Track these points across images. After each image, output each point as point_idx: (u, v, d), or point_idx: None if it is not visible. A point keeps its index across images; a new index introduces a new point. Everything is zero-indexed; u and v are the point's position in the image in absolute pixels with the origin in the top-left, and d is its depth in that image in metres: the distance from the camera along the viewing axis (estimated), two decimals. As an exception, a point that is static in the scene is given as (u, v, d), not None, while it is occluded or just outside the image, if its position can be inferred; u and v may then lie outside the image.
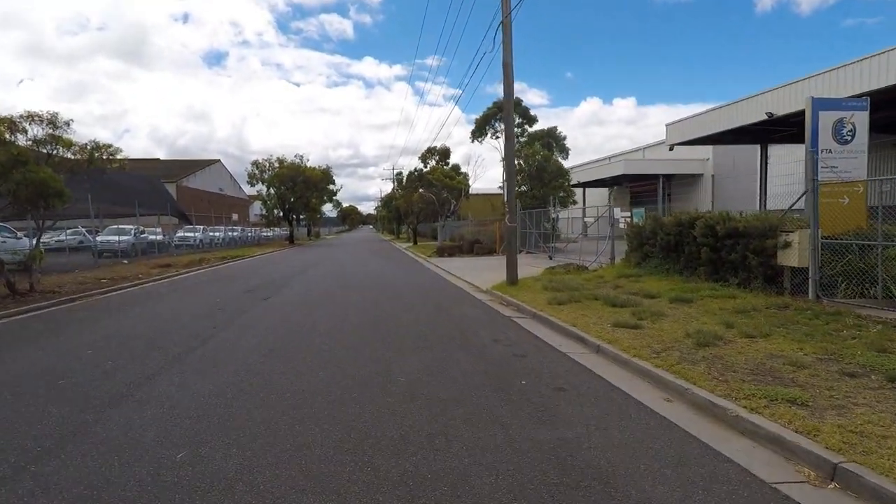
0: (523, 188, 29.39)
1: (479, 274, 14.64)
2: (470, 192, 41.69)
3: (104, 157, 13.03)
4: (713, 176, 35.91)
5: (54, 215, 13.38)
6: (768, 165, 26.48)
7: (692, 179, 38.01)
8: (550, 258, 18.25)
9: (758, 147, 31.61)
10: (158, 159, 62.14)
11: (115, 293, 12.50)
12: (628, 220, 12.96)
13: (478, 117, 32.80)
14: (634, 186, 42.29)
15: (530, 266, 14.95)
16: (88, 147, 12.86)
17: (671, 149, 26.14)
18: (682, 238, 10.23)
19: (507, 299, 9.82)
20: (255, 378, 4.96)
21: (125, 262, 21.83)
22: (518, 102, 31.16)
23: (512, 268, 11.36)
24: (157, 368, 5.30)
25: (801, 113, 17.05)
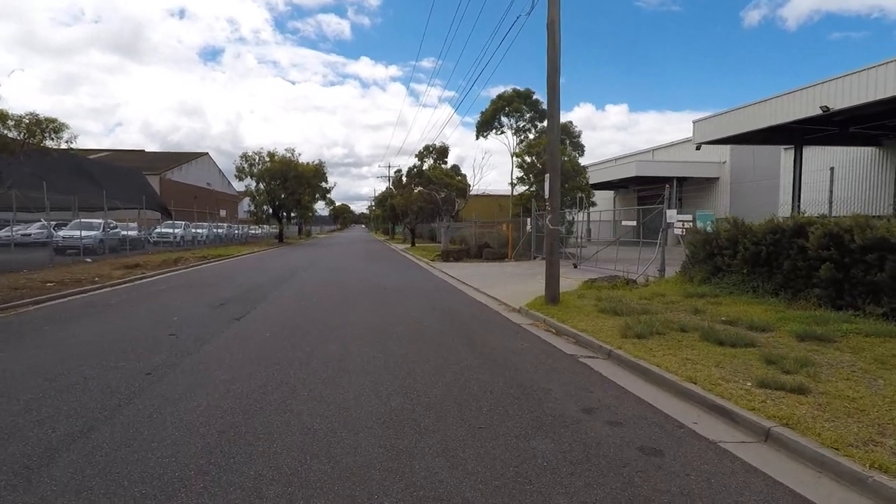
0: (533, 188, 27.16)
1: (502, 285, 12.28)
2: (471, 192, 39.30)
3: (45, 135, 10.52)
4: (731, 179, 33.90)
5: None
6: (801, 170, 24.02)
7: (707, 183, 36.03)
8: (575, 266, 15.95)
9: (780, 150, 29.63)
10: (143, 151, 59.16)
11: (53, 302, 9.98)
12: (688, 224, 10.65)
13: (484, 110, 30.44)
14: (642, 190, 40.23)
15: (560, 277, 12.60)
16: (26, 121, 10.34)
17: (698, 148, 24.07)
18: (780, 249, 7.94)
19: (558, 325, 7.46)
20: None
21: (88, 260, 19.20)
22: (529, 94, 28.88)
23: (553, 282, 9.01)
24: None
25: (869, 105, 14.97)
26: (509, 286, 12.15)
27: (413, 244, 36.95)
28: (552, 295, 9.01)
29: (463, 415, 3.96)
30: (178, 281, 14.16)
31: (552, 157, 9.00)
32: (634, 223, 13.38)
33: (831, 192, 8.53)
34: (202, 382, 4.68)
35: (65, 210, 25.16)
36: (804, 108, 17.29)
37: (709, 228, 9.76)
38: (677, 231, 10.91)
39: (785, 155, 28.32)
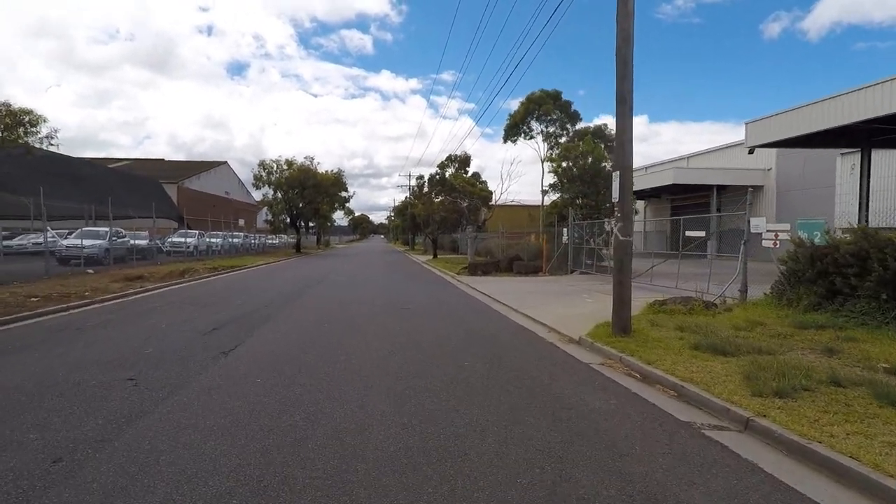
0: (566, 196, 25.25)
1: (545, 306, 10.40)
2: (498, 200, 37.51)
3: (21, 129, 9.07)
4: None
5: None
6: (870, 176, 21.39)
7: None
8: (624, 283, 13.94)
9: (834, 156, 27.18)
10: (163, 160, 58.96)
11: (21, 323, 8.45)
12: (783, 234, 8.66)
13: (513, 112, 28.68)
14: (675, 199, 37.96)
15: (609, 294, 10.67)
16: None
17: (751, 151, 21.82)
18: (940, 268, 5.94)
19: (643, 368, 5.55)
20: None
21: (90, 271, 17.89)
22: (558, 95, 27.06)
23: (624, 307, 7.12)
24: None
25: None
26: (554, 307, 10.27)
27: (435, 255, 35.23)
28: (622, 323, 7.11)
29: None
30: (178, 296, 12.61)
31: (622, 149, 7.15)
32: (703, 233, 11.39)
33: None
34: (134, 482, 2.93)
35: (79, 219, 24.18)
36: (880, 104, 15.11)
37: (818, 240, 7.76)
38: (766, 243, 8.91)
39: (841, 160, 25.97)
